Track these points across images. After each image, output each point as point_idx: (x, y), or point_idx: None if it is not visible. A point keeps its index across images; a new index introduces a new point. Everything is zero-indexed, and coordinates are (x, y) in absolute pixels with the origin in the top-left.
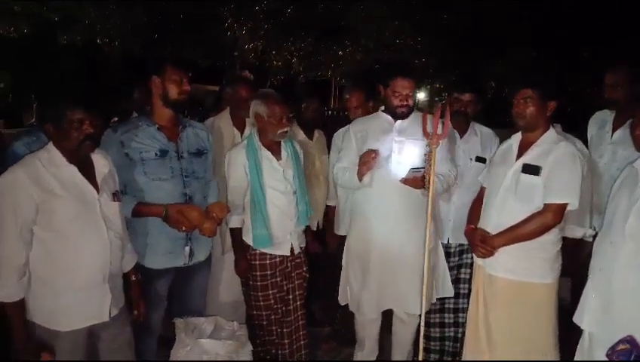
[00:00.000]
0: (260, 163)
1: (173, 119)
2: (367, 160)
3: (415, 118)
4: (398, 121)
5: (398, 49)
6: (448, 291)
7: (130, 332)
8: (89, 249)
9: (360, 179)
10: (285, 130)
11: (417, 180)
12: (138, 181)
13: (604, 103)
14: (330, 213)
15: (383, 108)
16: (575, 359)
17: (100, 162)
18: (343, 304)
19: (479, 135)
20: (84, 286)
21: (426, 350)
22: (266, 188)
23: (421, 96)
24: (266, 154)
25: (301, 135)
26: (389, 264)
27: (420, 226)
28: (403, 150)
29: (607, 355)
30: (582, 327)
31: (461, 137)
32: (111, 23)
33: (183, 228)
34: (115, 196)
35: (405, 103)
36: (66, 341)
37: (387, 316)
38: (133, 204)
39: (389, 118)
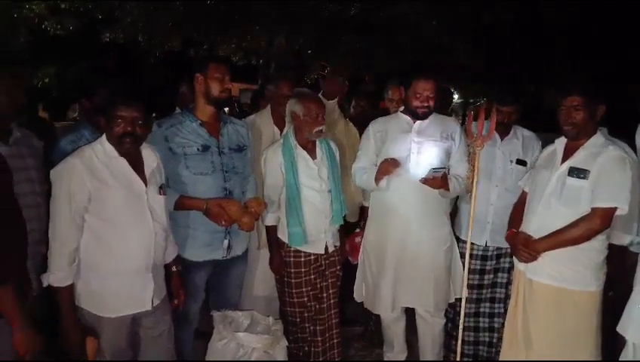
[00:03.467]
0: (296, 161)
1: (215, 115)
2: (387, 169)
3: (434, 119)
4: (418, 122)
5: (434, 49)
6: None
7: (170, 322)
8: (135, 238)
9: (377, 184)
10: (320, 128)
11: (437, 180)
12: (181, 175)
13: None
14: (366, 213)
15: (402, 108)
16: None
17: (149, 156)
18: (358, 301)
19: (521, 138)
20: (129, 274)
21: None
22: (301, 187)
23: (456, 97)
24: (301, 152)
25: (353, 130)
26: (406, 262)
27: (438, 225)
28: (422, 150)
29: None
30: (626, 338)
31: (502, 140)
32: (152, 21)
33: (223, 223)
34: (162, 189)
35: (426, 104)
36: (110, 327)
37: (413, 316)
38: (176, 197)
39: (408, 118)
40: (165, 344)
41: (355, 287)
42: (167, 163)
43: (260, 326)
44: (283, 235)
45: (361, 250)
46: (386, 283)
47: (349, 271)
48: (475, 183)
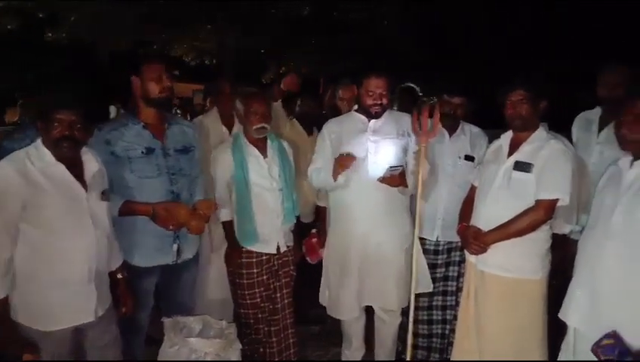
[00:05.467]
0: (246, 159)
1: (159, 117)
2: (344, 163)
3: (389, 116)
4: (372, 121)
5: (391, 48)
6: (427, 286)
7: (116, 331)
8: (75, 247)
9: (335, 179)
10: (261, 125)
11: (395, 178)
12: (125, 179)
13: (590, 103)
14: (322, 214)
15: (356, 107)
16: (560, 354)
17: (90, 161)
18: (324, 304)
19: (468, 134)
20: (69, 285)
21: (414, 346)
22: (251, 185)
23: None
24: (252, 150)
25: (300, 130)
26: (369, 261)
27: (399, 223)
28: (379, 149)
29: (592, 350)
30: (567, 323)
31: (450, 136)
32: (98, 21)
33: (171, 227)
34: (104, 195)
35: (379, 102)
36: (51, 341)
37: (373, 314)
38: (120, 203)
39: (363, 117)
40: (112, 354)
41: (320, 291)
42: (110, 167)
43: (213, 331)
44: (239, 239)
45: (324, 254)
46: (349, 287)
47: (305, 271)
48: (421, 179)
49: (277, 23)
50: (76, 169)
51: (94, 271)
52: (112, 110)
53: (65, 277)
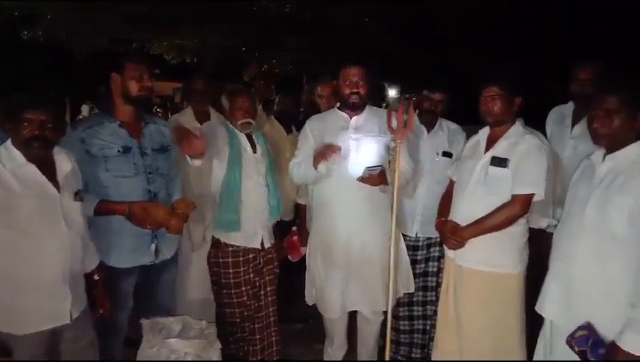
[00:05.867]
0: (239, 148)
1: (136, 116)
2: (326, 152)
3: (370, 113)
4: (354, 118)
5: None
6: (411, 286)
7: (93, 334)
8: (48, 248)
9: (315, 167)
10: (244, 121)
11: (374, 178)
12: (100, 178)
13: (564, 98)
14: (302, 211)
15: (338, 104)
16: (537, 347)
17: (63, 161)
18: (310, 304)
19: (446, 130)
20: (42, 287)
21: (396, 343)
22: (242, 174)
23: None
24: (243, 141)
25: (279, 128)
26: (352, 262)
27: (381, 222)
28: (360, 147)
29: (567, 342)
30: (543, 316)
31: (428, 133)
32: (75, 20)
33: (148, 226)
34: (77, 195)
35: (356, 90)
36: (25, 344)
37: (355, 312)
38: (95, 203)
39: (345, 115)
40: (88, 357)
41: (306, 290)
42: (85, 166)
43: (193, 331)
44: (222, 235)
45: (307, 252)
46: (333, 286)
47: (287, 269)
48: (396, 176)
49: (258, 20)
50: (48, 169)
51: (68, 272)
52: (85, 109)
53: (38, 280)
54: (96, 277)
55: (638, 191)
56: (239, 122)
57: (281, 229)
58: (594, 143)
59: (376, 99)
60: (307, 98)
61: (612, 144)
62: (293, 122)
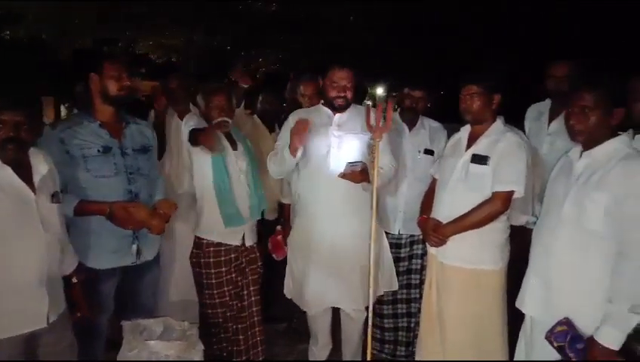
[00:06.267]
0: (223, 145)
1: (116, 116)
2: (299, 129)
3: (354, 111)
4: (337, 115)
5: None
6: (393, 285)
7: (72, 337)
8: (25, 251)
9: (293, 154)
10: (221, 120)
11: (355, 174)
12: (80, 178)
13: (541, 95)
14: (286, 211)
15: (322, 101)
16: (518, 343)
17: (39, 163)
18: (289, 297)
19: (427, 128)
20: (19, 291)
21: (380, 341)
22: (230, 169)
23: (380, 91)
24: (224, 140)
25: (261, 127)
26: (332, 259)
27: (362, 220)
28: (342, 144)
29: (546, 337)
30: (523, 312)
31: (410, 130)
32: (58, 19)
33: (130, 227)
34: (54, 197)
35: (343, 94)
36: (0, 349)
37: (339, 310)
38: (75, 203)
39: (329, 111)
40: (67, 360)
41: (285, 283)
42: (65, 167)
43: (176, 333)
44: (203, 233)
45: (288, 247)
46: (312, 282)
47: (272, 269)
48: (375, 175)
49: (243, 19)
50: (24, 171)
51: (45, 275)
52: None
53: (14, 283)
54: (74, 280)
55: (614, 187)
56: (216, 121)
57: (265, 228)
58: (571, 140)
59: (359, 96)
60: (290, 97)
61: (589, 140)
62: (276, 121)
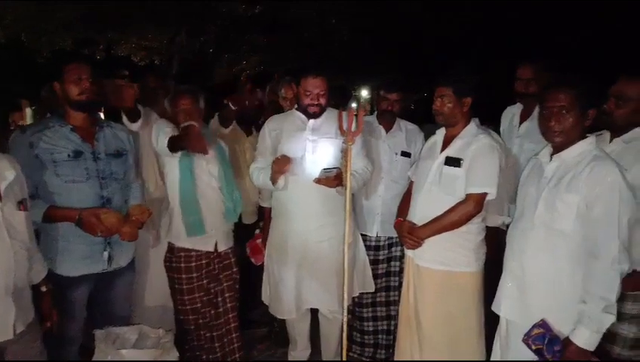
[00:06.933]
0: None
1: (88, 119)
2: (280, 167)
3: (328, 116)
4: (312, 120)
5: (337, 47)
6: (369, 286)
7: (41, 348)
8: None
9: (274, 183)
10: (188, 124)
11: (330, 180)
12: (50, 183)
13: (514, 97)
14: (265, 214)
15: (296, 106)
16: (494, 346)
17: (5, 168)
18: (266, 303)
19: (404, 130)
20: None
21: (361, 344)
22: (195, 177)
23: (364, 94)
24: None
25: (238, 131)
26: (308, 262)
27: (338, 223)
28: (317, 149)
29: (524, 341)
30: (499, 314)
31: (387, 133)
32: (36, 21)
33: (99, 233)
34: (21, 204)
35: (316, 103)
36: None
37: (316, 313)
38: (43, 209)
39: (303, 116)
40: None
41: (262, 289)
42: (33, 171)
43: (150, 340)
44: (174, 238)
45: (266, 252)
46: (288, 286)
47: (251, 274)
48: (348, 179)
49: (225, 21)
50: None
51: (12, 285)
52: (28, 112)
53: None
54: (44, 289)
55: (584, 189)
56: (182, 125)
57: (243, 232)
58: (547, 140)
59: (339, 100)
60: (269, 98)
61: (564, 141)
62: (254, 124)
